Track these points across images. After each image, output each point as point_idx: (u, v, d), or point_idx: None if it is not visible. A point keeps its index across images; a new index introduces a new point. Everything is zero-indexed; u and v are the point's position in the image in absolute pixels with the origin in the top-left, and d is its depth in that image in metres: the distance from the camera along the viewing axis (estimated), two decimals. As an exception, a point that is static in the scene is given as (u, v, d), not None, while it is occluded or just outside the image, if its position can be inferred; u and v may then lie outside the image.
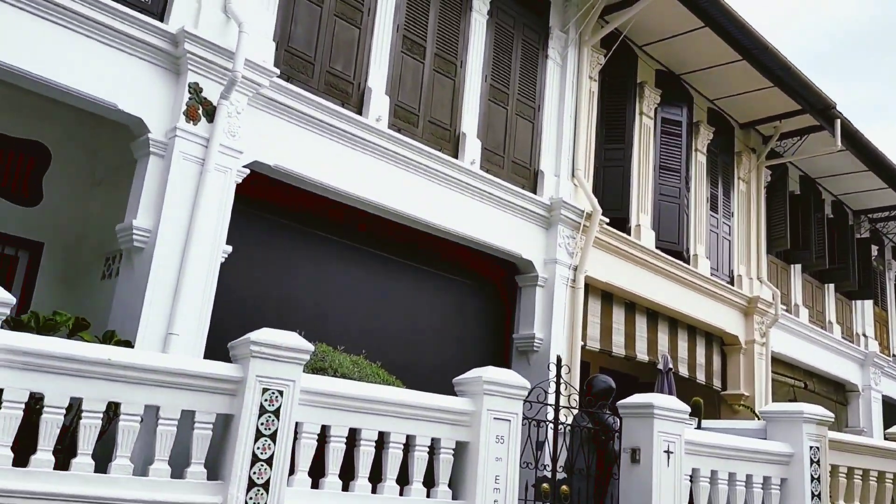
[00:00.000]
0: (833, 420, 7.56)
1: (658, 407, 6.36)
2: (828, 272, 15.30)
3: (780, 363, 14.24)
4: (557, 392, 6.50)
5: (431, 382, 6.87)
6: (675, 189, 11.88)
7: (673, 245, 11.70)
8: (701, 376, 12.39)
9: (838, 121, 12.81)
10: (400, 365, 7.79)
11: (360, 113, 7.99)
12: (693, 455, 6.59)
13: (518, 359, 9.52)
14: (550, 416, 6.63)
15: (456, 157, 8.88)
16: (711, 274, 12.40)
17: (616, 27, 10.46)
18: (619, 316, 11.11)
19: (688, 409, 6.55)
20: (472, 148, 9.05)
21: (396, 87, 8.45)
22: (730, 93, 12.65)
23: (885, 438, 8.96)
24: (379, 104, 8.15)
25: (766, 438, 7.48)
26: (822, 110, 12.70)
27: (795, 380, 14.82)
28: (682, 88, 12.31)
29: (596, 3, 10.11)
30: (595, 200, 10.07)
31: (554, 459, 6.35)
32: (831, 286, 15.78)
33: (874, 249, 17.04)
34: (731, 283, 12.92)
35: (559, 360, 6.71)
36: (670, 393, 9.71)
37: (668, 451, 6.32)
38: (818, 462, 7.30)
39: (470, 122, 9.12)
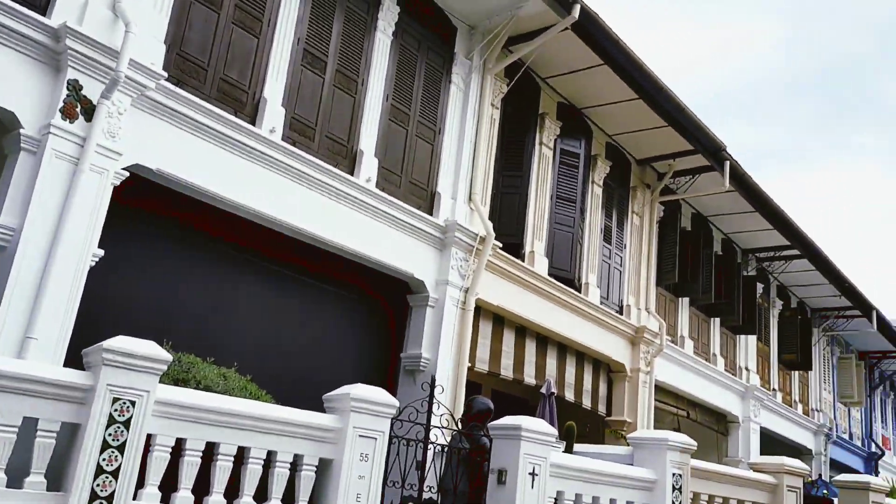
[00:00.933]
0: (696, 448, 7.89)
1: (526, 429, 6.49)
2: (714, 307, 16.00)
3: (664, 392, 14.77)
4: (429, 412, 6.56)
5: (313, 399, 6.80)
6: (571, 218, 12.23)
7: (565, 273, 12.02)
8: (587, 402, 12.72)
9: (727, 162, 13.49)
10: (280, 380, 7.71)
11: (253, 123, 7.91)
12: (558, 478, 6.76)
13: (405, 378, 9.55)
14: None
15: (352, 173, 8.90)
16: (601, 302, 12.79)
17: (519, 58, 10.75)
18: (509, 339, 11.31)
19: (555, 432, 6.71)
20: (369, 166, 9.09)
21: (294, 100, 8.42)
22: (627, 129, 13.15)
23: (751, 468, 9.39)
24: (274, 115, 8.10)
25: (633, 464, 7.74)
26: (713, 152, 13.35)
27: (678, 409, 15.39)
28: (582, 122, 12.73)
29: (500, 34, 10.37)
30: (490, 225, 10.26)
31: (421, 479, 6.40)
32: (717, 320, 16.50)
33: (760, 287, 17.94)
34: (620, 312, 13.36)
35: (433, 380, 6.79)
36: (551, 417, 9.95)
37: (533, 473, 6.46)
38: (680, 489, 7.59)
39: (368, 139, 9.17)
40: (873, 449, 24.08)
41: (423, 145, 9.98)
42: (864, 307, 19.76)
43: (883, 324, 20.81)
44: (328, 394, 5.92)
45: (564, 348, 12.36)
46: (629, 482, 7.38)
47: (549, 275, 11.67)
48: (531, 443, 6.51)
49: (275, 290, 8.56)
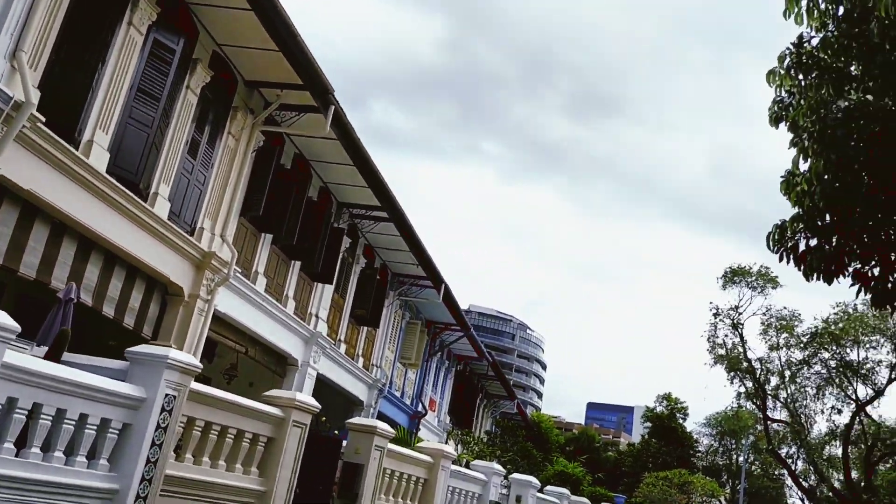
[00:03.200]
0: (199, 370, 7.41)
1: (-28, 320, 5.32)
2: (297, 249, 15.91)
3: (226, 325, 14.31)
4: None
5: None
6: (150, 118, 11.00)
7: (130, 175, 10.79)
8: (130, 321, 11.62)
9: (333, 107, 13.38)
10: None
11: None
12: (11, 382, 5.71)
13: None
14: None
15: None
16: (170, 218, 11.77)
17: (116, -87, 9.22)
18: (40, 234, 9.72)
19: (16, 328, 5.62)
20: None
21: None
22: (239, 44, 12.29)
23: (264, 401, 9.22)
24: None
25: (125, 380, 6.98)
26: (320, 92, 13.10)
27: (238, 344, 15.07)
28: (187, 18, 11.52)
29: None
30: (35, 94, 8.64)
31: None
32: (298, 264, 16.49)
33: (347, 241, 18.45)
34: (192, 233, 12.49)
35: None
36: (63, 325, 8.71)
37: (-29, 374, 5.32)
38: (170, 411, 7.04)
39: None
40: (419, 408, 26.77)
41: (-42, -30, 7.96)
42: (435, 280, 21.66)
43: (449, 298, 23.13)
44: None
45: (114, 258, 11.09)
46: (109, 397, 6.58)
47: (109, 173, 10.33)
48: (-23, 338, 5.35)
49: None
